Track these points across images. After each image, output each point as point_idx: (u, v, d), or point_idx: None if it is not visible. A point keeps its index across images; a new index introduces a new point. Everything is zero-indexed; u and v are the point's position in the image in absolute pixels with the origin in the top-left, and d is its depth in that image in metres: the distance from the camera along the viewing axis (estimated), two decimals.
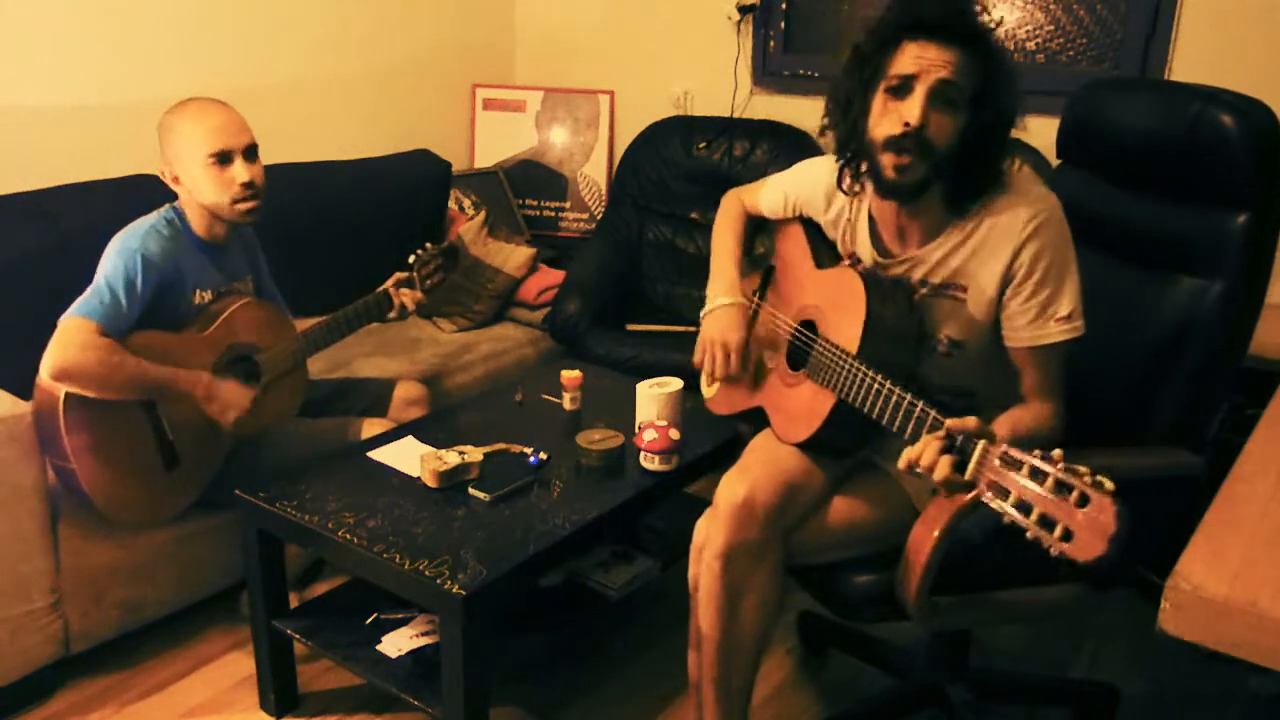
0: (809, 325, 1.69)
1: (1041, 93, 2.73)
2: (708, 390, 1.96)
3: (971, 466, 1.29)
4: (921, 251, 1.60)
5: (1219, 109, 1.57)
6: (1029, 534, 1.19)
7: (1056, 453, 1.20)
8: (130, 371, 1.88)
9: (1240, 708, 2.06)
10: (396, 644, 1.86)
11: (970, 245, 1.56)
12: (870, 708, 2.00)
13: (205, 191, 2.01)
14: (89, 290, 1.90)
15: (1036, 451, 1.22)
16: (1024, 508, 1.21)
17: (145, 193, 2.26)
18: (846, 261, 1.70)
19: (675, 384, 2.08)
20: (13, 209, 2.25)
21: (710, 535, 1.58)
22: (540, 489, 1.90)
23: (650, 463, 1.96)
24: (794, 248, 1.81)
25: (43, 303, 1.91)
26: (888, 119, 1.49)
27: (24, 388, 1.93)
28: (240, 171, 2.01)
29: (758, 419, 1.79)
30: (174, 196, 2.07)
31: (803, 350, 1.68)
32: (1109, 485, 1.14)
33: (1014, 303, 1.53)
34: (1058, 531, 1.16)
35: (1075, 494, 1.15)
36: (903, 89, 1.47)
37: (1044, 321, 1.52)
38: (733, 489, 1.57)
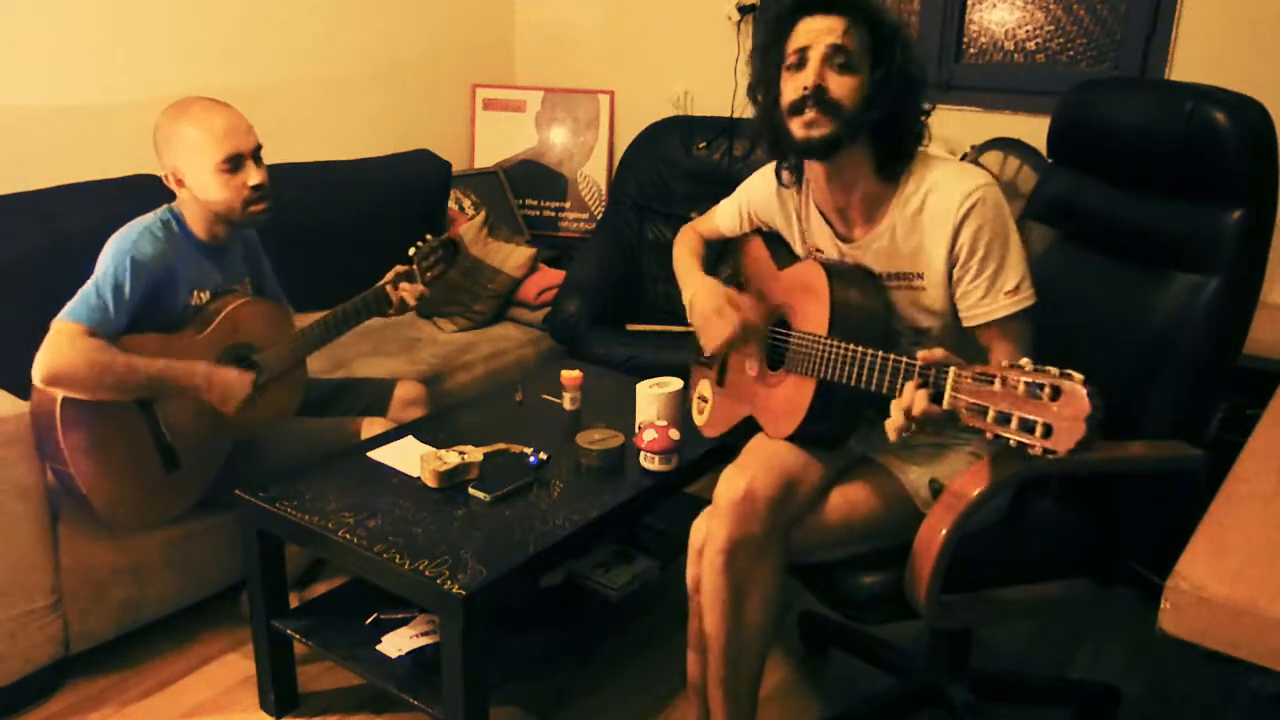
0: (783, 325, 1.71)
1: (1041, 93, 2.76)
2: (699, 418, 1.97)
3: (947, 394, 1.33)
4: (871, 234, 1.63)
5: (1213, 106, 1.58)
6: (1011, 442, 1.24)
7: (1025, 361, 1.25)
8: (121, 369, 1.88)
9: (1240, 708, 2.06)
10: (396, 644, 1.86)
11: (914, 228, 1.59)
12: (870, 708, 2.00)
13: (216, 197, 2.01)
14: (79, 293, 1.90)
15: (1004, 362, 1.27)
16: (1004, 419, 1.24)
17: (145, 193, 2.25)
18: (806, 257, 1.74)
19: (675, 384, 2.08)
20: (13, 209, 2.25)
21: (711, 532, 1.58)
22: (540, 489, 1.90)
23: (650, 463, 1.96)
24: (756, 259, 1.85)
25: (43, 303, 1.91)
26: (789, 88, 1.58)
27: (24, 388, 1.93)
28: (253, 174, 2.01)
29: (746, 431, 1.79)
30: (173, 196, 2.07)
31: (781, 350, 1.70)
32: (1078, 375, 1.19)
33: (963, 282, 1.57)
34: (1038, 430, 1.20)
35: (1047, 390, 1.20)
36: (800, 63, 1.57)
37: (994, 296, 1.56)
38: (732, 484, 1.57)
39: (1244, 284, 1.60)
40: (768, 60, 1.62)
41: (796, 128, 1.57)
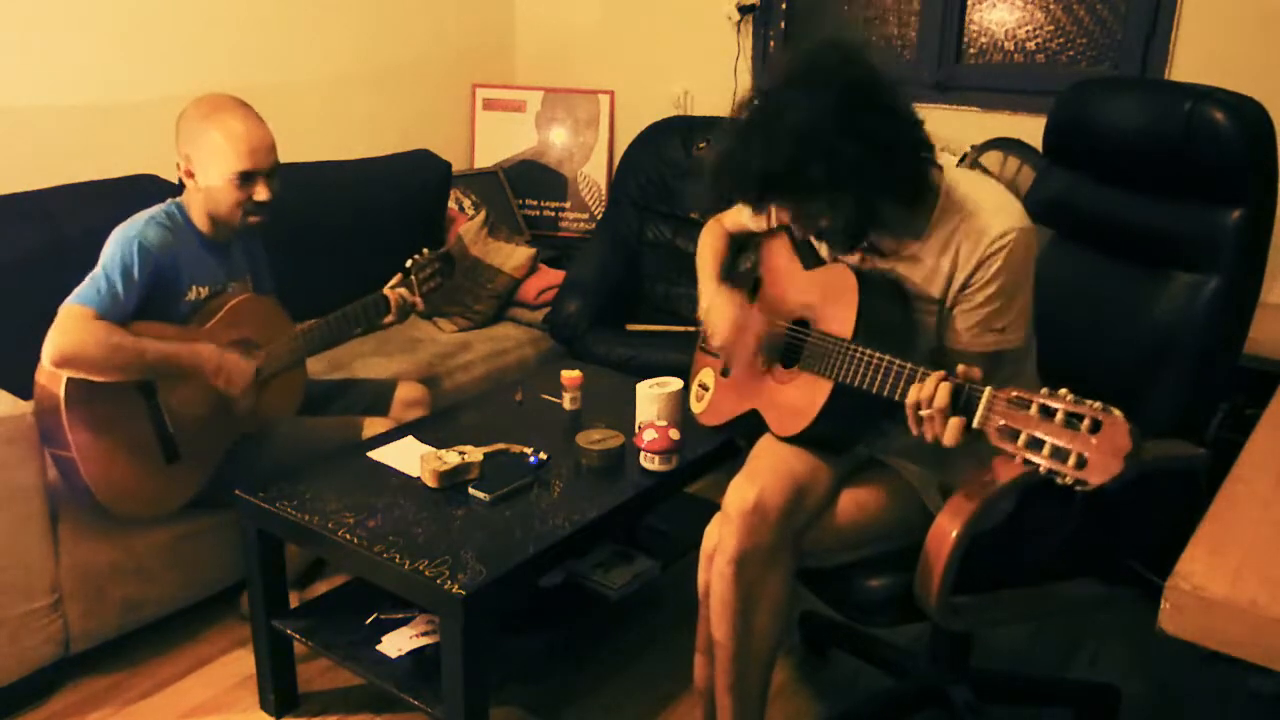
0: (802, 324, 1.70)
1: (1041, 93, 2.76)
2: (697, 405, 1.96)
3: (980, 412, 1.32)
4: (899, 254, 1.61)
5: (1212, 107, 1.58)
6: (1042, 468, 1.23)
7: (1063, 390, 1.24)
8: (131, 351, 1.89)
9: (1240, 708, 2.06)
10: (396, 644, 1.86)
11: (944, 251, 1.55)
12: (870, 708, 2.00)
13: (218, 202, 2.03)
14: (87, 279, 1.91)
15: (1044, 390, 1.25)
16: (1036, 445, 1.24)
17: (145, 193, 2.26)
18: (832, 260, 1.72)
19: (675, 384, 2.08)
20: (13, 209, 2.25)
21: (722, 541, 1.57)
22: (540, 489, 1.90)
23: (650, 463, 1.96)
24: (780, 255, 1.83)
25: (43, 303, 1.91)
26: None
27: (24, 388, 1.93)
28: (260, 192, 2.03)
29: (751, 429, 1.79)
30: (175, 193, 2.07)
31: (797, 348, 1.69)
32: (1118, 411, 1.18)
33: (960, 306, 1.55)
34: (1071, 460, 1.19)
35: (1087, 422, 1.19)
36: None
37: (983, 331, 1.55)
38: (742, 494, 1.56)
39: (1244, 284, 1.61)
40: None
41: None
